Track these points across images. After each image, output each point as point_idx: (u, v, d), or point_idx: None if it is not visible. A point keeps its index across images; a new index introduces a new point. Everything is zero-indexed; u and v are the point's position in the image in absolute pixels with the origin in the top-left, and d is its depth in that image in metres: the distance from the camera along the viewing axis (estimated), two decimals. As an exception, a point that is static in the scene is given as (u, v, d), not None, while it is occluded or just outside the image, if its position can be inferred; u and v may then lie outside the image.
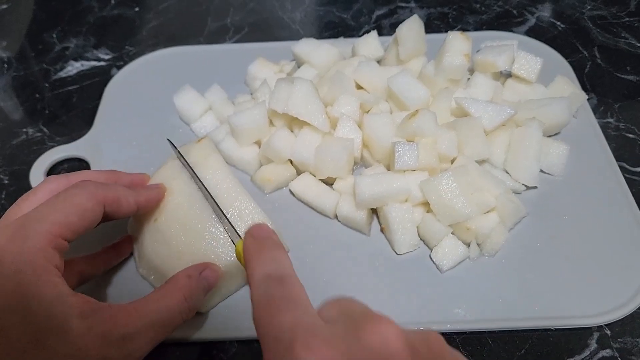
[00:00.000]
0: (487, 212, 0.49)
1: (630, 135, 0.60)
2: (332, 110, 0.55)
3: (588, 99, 0.62)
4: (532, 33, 0.73)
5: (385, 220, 0.50)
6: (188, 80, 0.63)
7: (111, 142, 0.61)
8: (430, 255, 0.49)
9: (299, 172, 0.56)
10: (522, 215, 0.51)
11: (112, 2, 0.84)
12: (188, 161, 0.50)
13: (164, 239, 0.46)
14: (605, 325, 0.45)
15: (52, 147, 0.61)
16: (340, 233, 0.52)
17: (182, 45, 0.73)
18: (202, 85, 0.63)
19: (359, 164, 0.57)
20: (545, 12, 0.77)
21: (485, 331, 0.45)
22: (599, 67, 0.69)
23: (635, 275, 0.47)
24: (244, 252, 0.33)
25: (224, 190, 0.49)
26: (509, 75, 0.61)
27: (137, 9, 0.82)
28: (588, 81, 0.67)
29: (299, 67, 0.64)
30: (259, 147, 0.57)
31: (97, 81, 0.71)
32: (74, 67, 0.73)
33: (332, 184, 0.54)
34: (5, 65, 0.74)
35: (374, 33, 0.64)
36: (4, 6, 0.84)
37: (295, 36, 0.73)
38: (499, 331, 0.45)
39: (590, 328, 0.45)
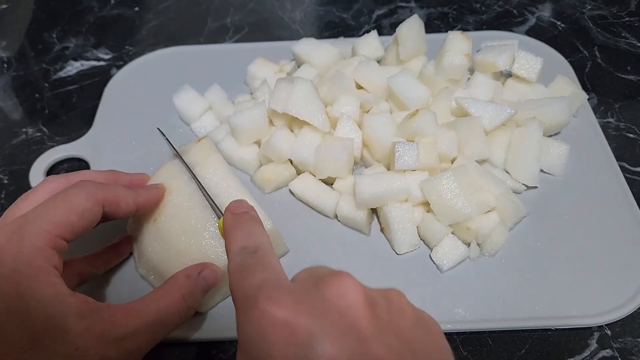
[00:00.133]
0: (487, 212, 0.49)
1: (631, 135, 0.60)
2: (332, 110, 0.55)
3: (588, 99, 0.62)
4: (533, 33, 0.73)
5: (385, 220, 0.50)
6: (188, 80, 0.63)
7: (111, 142, 0.61)
8: (430, 255, 0.49)
9: (299, 172, 0.56)
10: (522, 215, 0.51)
11: (112, 1, 0.84)
12: (188, 160, 0.50)
13: (164, 238, 0.46)
14: (606, 325, 0.45)
15: (52, 147, 0.61)
16: (340, 233, 0.52)
17: (182, 45, 0.73)
18: (202, 85, 0.62)
19: (359, 164, 0.57)
20: (545, 11, 0.77)
21: (485, 331, 0.45)
22: (599, 66, 0.69)
23: (635, 275, 0.47)
24: (223, 226, 0.35)
25: (224, 189, 0.49)
26: (509, 75, 0.61)
27: (136, 8, 0.82)
28: (588, 81, 0.67)
29: (299, 66, 0.64)
30: (259, 147, 0.57)
31: (96, 81, 0.71)
32: (73, 67, 0.73)
33: (332, 184, 0.54)
34: (5, 65, 0.74)
35: (374, 33, 0.64)
36: (4, 6, 0.84)
37: (295, 36, 0.73)
38: (499, 331, 0.45)
39: (590, 328, 0.45)
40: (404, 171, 0.50)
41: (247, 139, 0.56)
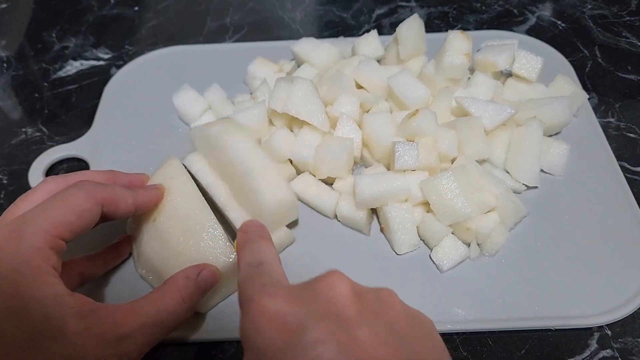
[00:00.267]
0: (488, 212, 0.49)
1: (631, 135, 0.60)
2: (332, 110, 0.55)
3: (589, 99, 0.62)
4: (533, 32, 0.73)
5: (385, 220, 0.50)
6: (187, 79, 0.63)
7: (110, 141, 0.61)
8: (430, 255, 0.49)
9: (298, 172, 0.56)
10: (522, 215, 0.51)
11: (112, 1, 0.84)
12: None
13: (163, 239, 0.46)
14: (606, 325, 0.45)
15: (51, 146, 0.61)
16: (340, 233, 0.52)
17: (182, 44, 0.73)
18: (202, 84, 0.62)
19: (359, 164, 0.57)
20: (545, 11, 0.77)
21: (485, 331, 0.45)
22: (599, 66, 0.68)
23: (635, 275, 0.47)
24: (236, 246, 0.37)
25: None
26: (509, 74, 0.61)
27: (136, 8, 0.82)
28: (589, 80, 0.66)
29: (298, 66, 0.64)
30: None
31: (96, 80, 0.71)
32: (73, 67, 0.73)
33: (332, 184, 0.54)
34: (5, 65, 0.74)
35: (374, 32, 0.64)
36: (3, 5, 0.84)
37: (295, 35, 0.73)
38: (499, 331, 0.45)
39: (590, 328, 0.45)
40: (404, 171, 0.50)
41: (246, 138, 0.56)
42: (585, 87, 0.65)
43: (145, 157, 0.59)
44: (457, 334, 0.45)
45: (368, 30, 0.66)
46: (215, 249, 0.45)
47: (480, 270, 0.48)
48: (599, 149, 0.57)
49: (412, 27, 0.59)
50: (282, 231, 0.49)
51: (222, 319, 0.46)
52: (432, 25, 0.76)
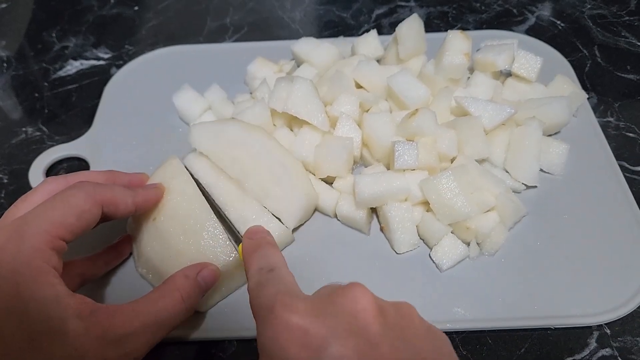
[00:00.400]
0: (487, 211, 0.49)
1: (631, 135, 0.60)
2: (332, 110, 0.55)
3: (588, 98, 0.62)
4: (532, 32, 0.73)
5: (385, 220, 0.50)
6: (187, 79, 0.63)
7: (110, 141, 0.61)
8: (429, 255, 0.49)
9: (298, 172, 0.56)
10: (522, 214, 0.51)
11: (112, 1, 0.84)
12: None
13: (163, 238, 0.46)
14: (605, 324, 0.45)
15: (51, 146, 0.61)
16: (339, 232, 0.52)
17: (182, 44, 0.73)
18: (202, 84, 0.62)
19: (359, 163, 0.57)
20: (545, 11, 0.77)
21: (484, 330, 0.45)
22: (599, 66, 0.69)
23: (635, 274, 0.47)
24: (242, 251, 0.37)
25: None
26: (509, 74, 0.61)
27: (136, 8, 0.82)
28: (588, 80, 0.67)
29: (298, 66, 0.64)
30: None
31: (96, 80, 0.71)
32: (73, 66, 0.73)
33: (332, 183, 0.54)
34: (5, 65, 0.74)
35: (373, 32, 0.64)
36: (3, 5, 0.84)
37: (295, 35, 0.73)
38: (499, 330, 0.45)
39: (590, 327, 0.45)
40: (404, 170, 0.50)
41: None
42: (584, 87, 0.65)
43: (145, 157, 0.59)
44: (457, 333, 0.45)
45: (368, 30, 0.66)
46: (215, 248, 0.46)
47: (479, 269, 0.48)
48: (598, 148, 0.57)
49: (411, 26, 0.59)
50: (281, 230, 0.49)
51: (222, 317, 0.46)
52: (432, 25, 0.76)
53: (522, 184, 0.53)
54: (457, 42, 0.56)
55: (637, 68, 0.68)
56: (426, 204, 0.50)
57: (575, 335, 0.45)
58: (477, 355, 0.44)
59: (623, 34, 0.73)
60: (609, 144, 0.58)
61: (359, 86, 0.59)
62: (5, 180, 0.60)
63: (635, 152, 0.58)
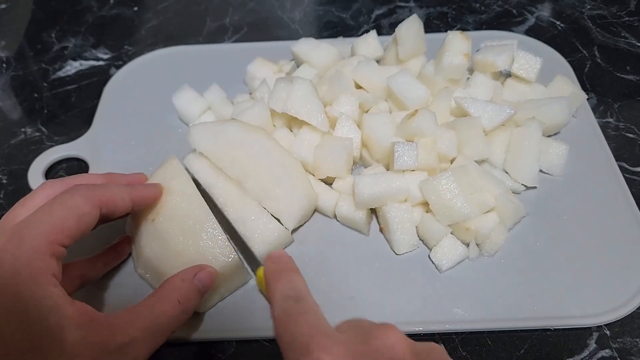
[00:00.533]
0: (487, 212, 0.49)
1: (630, 135, 0.60)
2: (332, 110, 0.55)
3: (588, 99, 0.62)
4: (532, 32, 0.73)
5: (385, 220, 0.50)
6: (187, 80, 0.63)
7: (110, 141, 0.61)
8: (429, 255, 0.49)
9: (298, 172, 0.56)
10: (521, 215, 0.51)
11: (111, 1, 0.84)
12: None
13: (162, 239, 0.46)
14: (605, 325, 0.45)
15: (51, 146, 0.61)
16: (339, 233, 0.52)
17: (181, 45, 0.73)
18: (201, 85, 0.62)
19: (358, 164, 0.57)
20: (544, 11, 0.77)
21: (484, 331, 0.45)
22: (598, 66, 0.69)
23: (635, 275, 0.47)
24: (265, 275, 0.37)
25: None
26: (508, 75, 0.61)
27: (136, 8, 0.82)
28: (588, 81, 0.67)
29: (298, 66, 0.64)
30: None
31: (95, 81, 0.71)
32: (72, 67, 0.73)
33: (332, 184, 0.54)
34: (4, 65, 0.74)
35: (373, 33, 0.64)
36: (3, 5, 0.84)
37: (295, 36, 0.73)
38: (498, 331, 0.45)
39: (589, 328, 0.45)
40: (403, 171, 0.50)
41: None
42: (584, 88, 0.65)
43: (145, 157, 0.59)
44: (456, 333, 0.45)
45: (367, 31, 0.66)
46: (214, 248, 0.46)
47: (479, 270, 0.48)
48: (598, 149, 0.57)
49: (411, 27, 0.59)
50: (281, 231, 0.49)
51: (222, 318, 0.46)
52: (431, 25, 0.76)
53: (522, 184, 0.53)
54: (456, 42, 0.56)
55: (637, 69, 0.68)
56: (426, 204, 0.50)
57: (575, 336, 0.45)
58: (476, 356, 0.44)
59: (623, 34, 0.73)
60: (609, 144, 0.58)
61: (358, 87, 0.59)
62: (5, 181, 0.60)
63: (635, 152, 0.58)
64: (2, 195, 0.58)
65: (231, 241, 0.47)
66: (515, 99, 0.59)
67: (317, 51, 0.63)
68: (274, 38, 0.75)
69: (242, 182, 0.50)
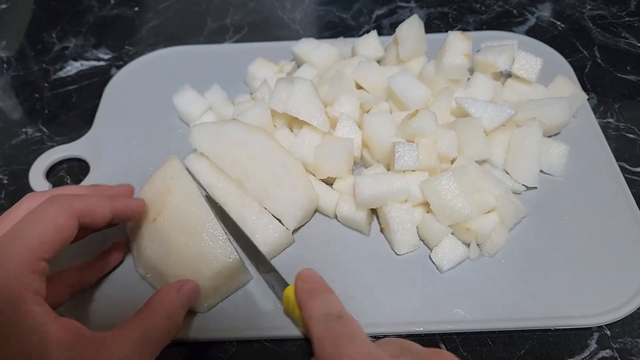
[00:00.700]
0: (487, 212, 0.49)
1: (631, 135, 0.60)
2: (332, 110, 0.55)
3: (588, 99, 0.62)
4: (532, 33, 0.73)
5: (385, 221, 0.50)
6: (188, 80, 0.63)
7: (111, 142, 0.61)
8: (430, 256, 0.49)
9: (298, 172, 0.56)
10: (522, 215, 0.51)
11: (112, 2, 0.84)
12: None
13: (163, 239, 0.46)
14: (605, 325, 0.45)
15: (52, 147, 0.61)
16: (340, 233, 0.52)
17: (182, 45, 0.73)
18: (202, 85, 0.62)
19: (359, 164, 0.57)
20: (545, 12, 0.77)
21: (485, 331, 0.45)
22: (599, 67, 0.69)
23: (635, 275, 0.47)
24: (296, 294, 0.37)
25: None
26: (509, 75, 0.61)
27: (136, 8, 0.82)
28: (588, 81, 0.67)
29: (298, 67, 0.64)
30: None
31: (96, 81, 0.71)
32: (73, 67, 0.73)
33: (332, 184, 0.54)
34: (5, 65, 0.74)
35: (373, 33, 0.64)
36: (4, 6, 0.84)
37: (295, 36, 0.73)
38: (499, 331, 0.45)
39: (590, 328, 0.45)
40: (404, 171, 0.50)
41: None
42: (584, 88, 0.65)
43: (145, 157, 0.59)
44: (457, 334, 0.45)
45: (368, 31, 0.66)
46: (215, 248, 0.46)
47: (479, 270, 0.48)
48: (598, 149, 0.57)
49: (411, 27, 0.59)
50: (282, 231, 0.49)
51: (222, 318, 0.46)
52: (432, 25, 0.76)
53: (522, 185, 0.53)
54: (457, 42, 0.56)
55: (637, 69, 0.68)
56: (426, 205, 0.50)
57: (576, 337, 0.45)
58: (477, 356, 0.44)
59: (623, 34, 0.73)
60: (609, 144, 0.58)
61: (359, 87, 0.59)
62: (6, 181, 0.60)
63: (635, 153, 0.58)
64: (3, 196, 0.58)
65: (232, 241, 0.47)
66: (515, 99, 0.59)
67: (317, 51, 0.63)
68: (274, 38, 0.75)
69: (242, 182, 0.50)
